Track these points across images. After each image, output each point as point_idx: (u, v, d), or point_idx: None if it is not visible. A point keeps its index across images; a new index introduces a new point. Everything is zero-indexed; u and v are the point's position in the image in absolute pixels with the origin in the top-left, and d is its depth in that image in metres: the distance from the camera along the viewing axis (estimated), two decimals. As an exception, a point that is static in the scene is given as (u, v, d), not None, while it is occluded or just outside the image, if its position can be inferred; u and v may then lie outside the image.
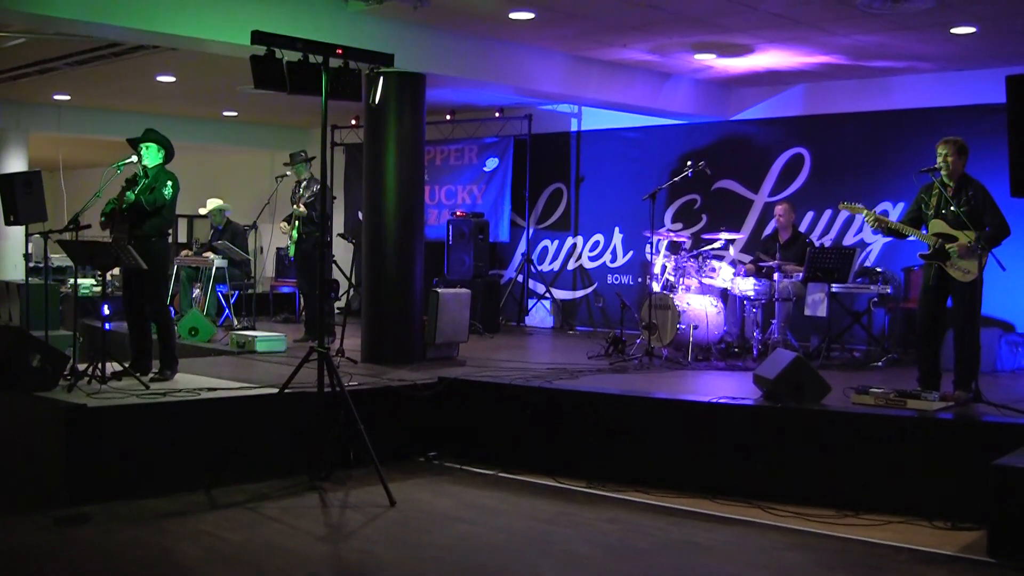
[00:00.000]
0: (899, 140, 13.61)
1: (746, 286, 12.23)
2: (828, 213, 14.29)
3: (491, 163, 17.42)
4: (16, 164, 18.35)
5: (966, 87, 13.14)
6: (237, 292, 15.45)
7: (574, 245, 17.08)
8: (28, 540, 7.10)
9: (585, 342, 14.12)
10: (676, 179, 13.16)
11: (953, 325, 9.23)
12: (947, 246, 8.95)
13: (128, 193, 9.45)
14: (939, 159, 9.08)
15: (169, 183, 9.61)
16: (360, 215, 12.35)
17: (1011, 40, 11.46)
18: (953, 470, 7.86)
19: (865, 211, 9.82)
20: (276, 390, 8.82)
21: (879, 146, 13.89)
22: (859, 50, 12.19)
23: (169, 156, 9.85)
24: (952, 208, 8.97)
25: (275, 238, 15.47)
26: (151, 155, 9.71)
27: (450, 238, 16.15)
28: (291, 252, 13.60)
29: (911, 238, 9.45)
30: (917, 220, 9.34)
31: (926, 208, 9.25)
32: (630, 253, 16.37)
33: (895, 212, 13.49)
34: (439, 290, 11.95)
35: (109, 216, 9.58)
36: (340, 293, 17.22)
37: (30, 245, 11.02)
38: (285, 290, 18.24)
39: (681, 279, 12.42)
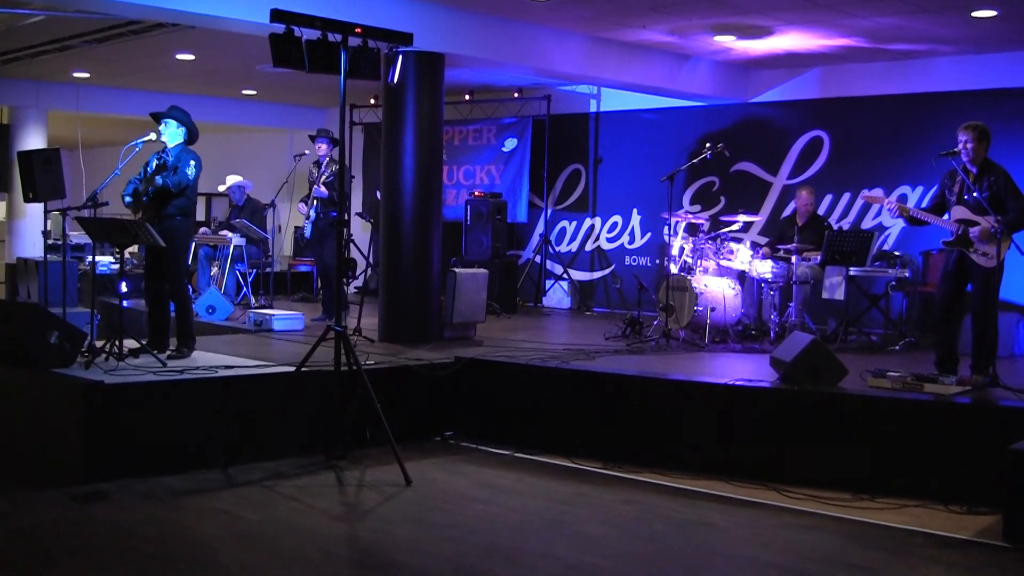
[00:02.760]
0: (919, 124, 13.55)
1: (764, 268, 12.20)
2: (847, 196, 14.24)
3: (509, 144, 17.40)
4: (35, 142, 18.37)
5: (986, 71, 13.06)
6: (255, 271, 15.48)
7: (592, 226, 17.07)
8: (45, 516, 7.13)
9: (602, 323, 14.11)
10: (695, 161, 13.14)
11: (971, 309, 9.20)
12: (969, 232, 8.91)
13: (157, 178, 9.48)
14: (960, 144, 9.02)
15: (192, 163, 9.66)
16: (378, 194, 12.35)
17: (1032, 23, 11.40)
18: (969, 454, 7.85)
19: (886, 201, 9.80)
20: (293, 368, 8.85)
21: (898, 130, 13.83)
22: (878, 33, 12.13)
23: (192, 138, 9.88)
24: (974, 194, 8.93)
25: (293, 217, 15.51)
26: (170, 132, 9.74)
27: (468, 218, 16.13)
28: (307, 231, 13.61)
29: (932, 224, 9.41)
30: (941, 206, 9.30)
31: (949, 194, 9.21)
32: (648, 235, 16.35)
33: (914, 196, 13.46)
34: (456, 270, 11.95)
35: (134, 199, 9.63)
36: (358, 272, 17.23)
37: (48, 222, 11.03)
38: (303, 269, 18.27)
39: (699, 261, 12.39)
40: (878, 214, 13.88)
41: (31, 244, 18.49)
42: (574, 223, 17.30)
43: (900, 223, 13.40)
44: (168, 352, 9.68)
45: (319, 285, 15.32)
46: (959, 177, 9.08)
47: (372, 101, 18.33)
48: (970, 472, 7.80)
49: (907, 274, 12.43)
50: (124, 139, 10.73)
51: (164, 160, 9.67)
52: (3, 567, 6.14)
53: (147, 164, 9.80)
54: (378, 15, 10.49)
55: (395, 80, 9.32)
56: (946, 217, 9.16)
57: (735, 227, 12.94)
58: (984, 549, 6.88)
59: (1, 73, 17.04)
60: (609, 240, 16.89)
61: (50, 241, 11.85)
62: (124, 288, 10.27)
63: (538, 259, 17.40)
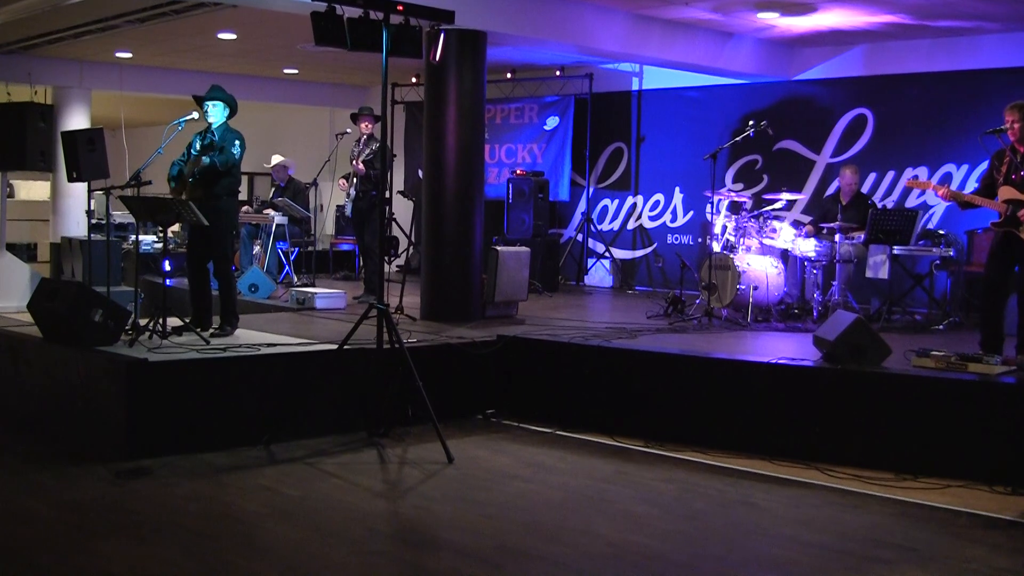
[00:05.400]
0: (964, 102, 13.42)
1: (807, 247, 12.14)
2: (891, 175, 14.14)
3: (551, 122, 17.37)
4: (79, 122, 18.46)
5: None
6: (297, 249, 15.54)
7: (634, 205, 17.02)
8: (89, 492, 7.19)
9: (644, 302, 14.07)
10: (737, 139, 13.05)
11: (1018, 290, 9.12)
12: (1019, 213, 8.82)
13: (204, 158, 9.50)
14: (1007, 124, 8.94)
15: (237, 142, 9.69)
16: (420, 173, 12.36)
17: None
18: (1014, 434, 7.77)
19: (932, 186, 9.71)
20: (335, 346, 8.86)
21: (944, 107, 13.70)
22: (924, 9, 12.00)
23: (232, 113, 9.91)
24: (1021, 173, 8.83)
25: (335, 196, 15.56)
26: (217, 113, 9.77)
27: (510, 197, 16.12)
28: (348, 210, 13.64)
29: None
30: (991, 187, 9.21)
31: (996, 174, 9.12)
32: (690, 213, 16.29)
33: (959, 175, 13.36)
34: (499, 248, 11.94)
35: (179, 180, 9.65)
36: (400, 251, 17.26)
37: (92, 202, 11.09)
38: (345, 247, 18.31)
39: (742, 239, 12.34)
40: (922, 192, 13.75)
41: (75, 223, 18.59)
42: (616, 201, 17.26)
43: (944, 201, 13.30)
44: (211, 330, 9.72)
45: (361, 264, 15.36)
46: (1007, 157, 8.99)
47: (414, 80, 18.34)
48: (1015, 452, 7.73)
49: (951, 253, 12.30)
50: (167, 118, 10.78)
51: (210, 140, 9.71)
52: (48, 541, 6.19)
53: (190, 145, 9.83)
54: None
55: (437, 58, 9.30)
56: (996, 200, 9.07)
57: (778, 205, 12.88)
58: (1029, 530, 6.84)
59: (45, 53, 17.13)
60: (651, 218, 16.83)
61: (94, 220, 11.94)
62: (167, 267, 10.33)
63: (580, 237, 17.38)
